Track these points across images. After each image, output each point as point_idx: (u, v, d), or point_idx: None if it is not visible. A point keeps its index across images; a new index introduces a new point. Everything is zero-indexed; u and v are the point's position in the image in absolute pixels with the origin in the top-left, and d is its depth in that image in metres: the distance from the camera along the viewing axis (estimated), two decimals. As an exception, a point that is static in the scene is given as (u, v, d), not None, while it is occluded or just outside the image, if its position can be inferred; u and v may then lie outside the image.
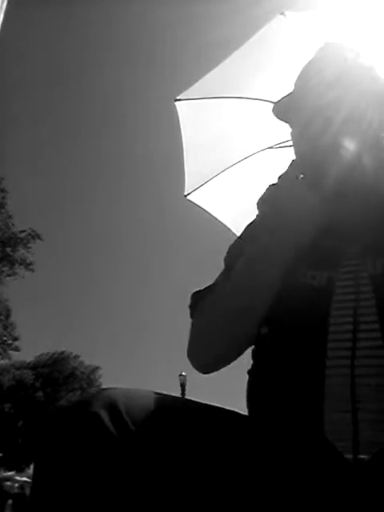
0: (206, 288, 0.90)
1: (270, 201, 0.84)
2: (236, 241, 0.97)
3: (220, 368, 0.87)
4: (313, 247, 0.78)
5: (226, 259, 0.95)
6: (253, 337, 0.81)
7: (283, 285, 0.79)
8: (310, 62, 0.92)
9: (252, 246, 0.82)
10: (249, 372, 0.84)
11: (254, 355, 0.83)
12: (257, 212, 0.91)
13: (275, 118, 0.93)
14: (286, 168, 0.84)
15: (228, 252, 0.96)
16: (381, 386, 0.69)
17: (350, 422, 0.67)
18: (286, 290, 0.78)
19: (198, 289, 0.91)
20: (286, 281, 0.78)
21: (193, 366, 0.86)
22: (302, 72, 0.93)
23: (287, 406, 0.72)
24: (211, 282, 0.92)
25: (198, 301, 0.88)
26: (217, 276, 0.93)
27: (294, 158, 0.89)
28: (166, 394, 0.66)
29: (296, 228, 0.77)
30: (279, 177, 0.85)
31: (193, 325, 0.86)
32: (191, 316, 0.89)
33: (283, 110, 0.91)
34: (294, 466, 0.64)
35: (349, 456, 0.66)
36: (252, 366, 0.83)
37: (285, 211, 0.79)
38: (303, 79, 0.91)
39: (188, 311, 0.91)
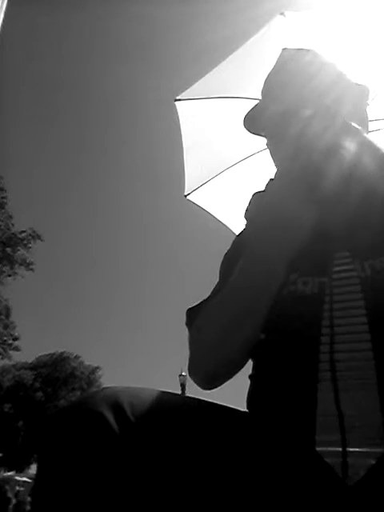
0: (200, 303, 0.88)
1: (260, 210, 0.81)
2: (229, 251, 0.96)
3: (222, 382, 0.83)
4: (302, 252, 0.76)
5: (221, 270, 0.94)
6: (250, 348, 0.78)
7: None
8: (274, 69, 0.92)
9: (247, 251, 0.79)
10: (250, 377, 0.83)
11: (254, 360, 0.82)
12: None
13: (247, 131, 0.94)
14: (273, 177, 0.82)
15: (222, 262, 0.95)
16: (368, 398, 0.65)
17: (339, 440, 0.65)
18: (278, 296, 0.77)
19: (191, 305, 0.89)
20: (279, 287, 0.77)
21: (194, 381, 0.83)
22: (268, 79, 0.92)
23: (280, 417, 0.71)
24: (208, 292, 0.90)
25: (194, 316, 0.85)
26: (212, 287, 0.91)
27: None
28: (168, 392, 0.66)
29: (290, 235, 0.75)
30: (266, 185, 0.83)
31: (191, 340, 0.83)
32: (189, 332, 0.86)
33: (257, 120, 0.91)
34: (284, 476, 0.63)
35: (338, 471, 0.64)
36: (252, 371, 0.82)
37: (277, 220, 0.76)
38: (274, 85, 0.90)
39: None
